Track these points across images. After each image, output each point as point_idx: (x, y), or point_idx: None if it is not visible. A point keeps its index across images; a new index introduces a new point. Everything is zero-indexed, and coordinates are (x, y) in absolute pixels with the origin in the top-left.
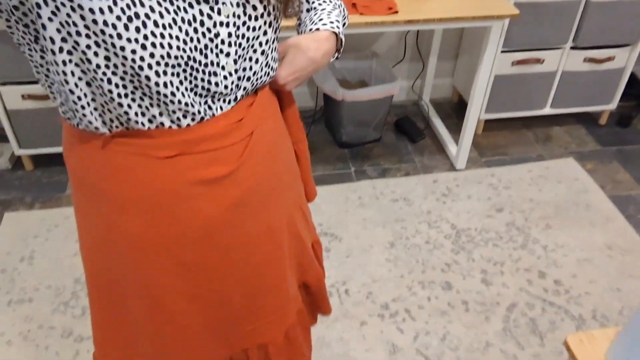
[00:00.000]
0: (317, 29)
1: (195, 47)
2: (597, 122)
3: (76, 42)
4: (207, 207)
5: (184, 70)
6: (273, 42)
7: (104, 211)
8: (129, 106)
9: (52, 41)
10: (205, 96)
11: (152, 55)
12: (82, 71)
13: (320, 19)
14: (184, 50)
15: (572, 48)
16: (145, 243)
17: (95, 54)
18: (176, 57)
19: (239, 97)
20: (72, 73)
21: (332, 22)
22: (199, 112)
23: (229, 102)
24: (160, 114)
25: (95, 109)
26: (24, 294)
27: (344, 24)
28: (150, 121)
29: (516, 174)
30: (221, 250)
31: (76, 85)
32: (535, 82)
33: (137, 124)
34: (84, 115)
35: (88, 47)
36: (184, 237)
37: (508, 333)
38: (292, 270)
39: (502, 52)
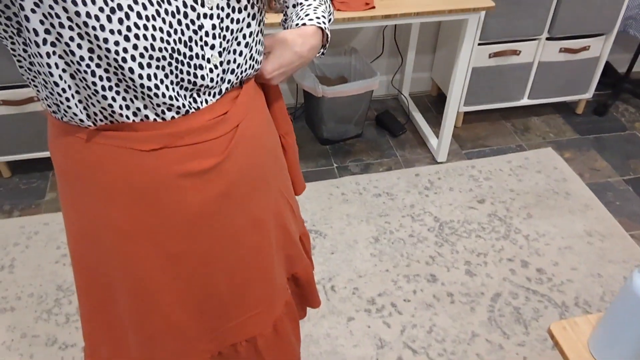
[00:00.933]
0: (304, 24)
1: (180, 40)
2: (574, 111)
3: (59, 34)
4: (192, 199)
5: (169, 64)
6: (257, 35)
7: (90, 203)
8: (113, 99)
9: (36, 33)
10: (191, 90)
11: (135, 47)
12: (66, 63)
13: (307, 14)
14: (168, 42)
15: (547, 39)
16: (130, 234)
17: (79, 46)
18: (160, 50)
19: (223, 90)
20: (56, 65)
21: (318, 18)
22: (184, 105)
23: (214, 95)
24: (145, 107)
25: (80, 101)
26: (5, 303)
27: (329, 20)
28: (134, 114)
29: (496, 165)
30: (207, 242)
31: (60, 77)
32: (512, 74)
33: (121, 116)
34: (69, 107)
35: (71, 39)
36: (170, 229)
37: (493, 323)
38: (280, 262)
39: (479, 44)
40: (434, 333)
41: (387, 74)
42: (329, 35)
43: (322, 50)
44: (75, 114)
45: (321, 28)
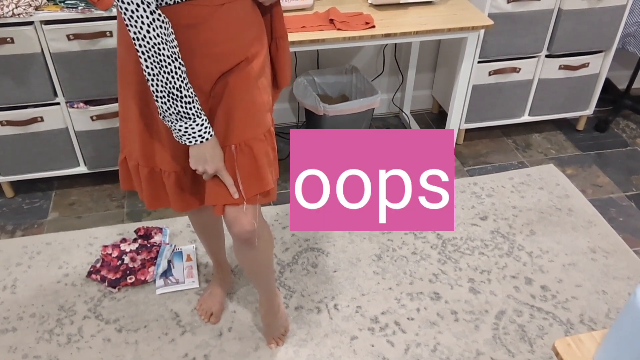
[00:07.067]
0: None
1: None
2: (575, 127)
3: None
4: (189, 37)
5: None
6: None
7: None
8: None
9: None
10: None
11: None
12: None
13: None
14: None
15: (547, 56)
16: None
17: None
18: None
19: None
20: None
21: None
22: None
23: None
24: None
25: None
26: (7, 323)
27: None
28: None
29: (498, 181)
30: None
31: None
32: (512, 91)
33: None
34: None
35: None
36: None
37: (498, 341)
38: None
39: (478, 62)
40: (438, 352)
41: (388, 92)
42: None
43: None
44: None
45: None
